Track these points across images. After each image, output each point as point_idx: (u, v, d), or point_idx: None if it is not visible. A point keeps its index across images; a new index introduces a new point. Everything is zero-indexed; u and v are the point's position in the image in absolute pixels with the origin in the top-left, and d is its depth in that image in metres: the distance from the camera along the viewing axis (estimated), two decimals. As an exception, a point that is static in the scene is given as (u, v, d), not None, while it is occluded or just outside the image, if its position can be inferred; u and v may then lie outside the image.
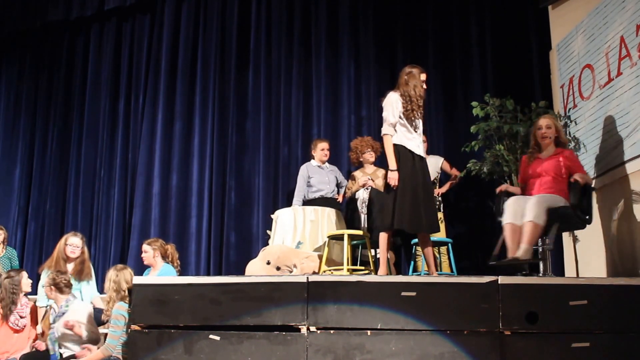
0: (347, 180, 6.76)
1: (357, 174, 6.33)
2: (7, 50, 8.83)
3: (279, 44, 7.71)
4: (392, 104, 4.79)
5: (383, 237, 4.81)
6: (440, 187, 6.35)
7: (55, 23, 8.44)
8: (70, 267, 5.37)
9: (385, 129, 4.79)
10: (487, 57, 7.05)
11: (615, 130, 5.08)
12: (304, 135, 7.40)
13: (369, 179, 6.11)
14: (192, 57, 7.93)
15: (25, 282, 5.06)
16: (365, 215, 6.00)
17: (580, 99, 5.70)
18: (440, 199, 6.24)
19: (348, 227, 5.97)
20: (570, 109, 5.89)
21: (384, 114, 4.82)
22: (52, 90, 8.52)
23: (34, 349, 4.91)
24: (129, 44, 8.25)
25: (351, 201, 6.19)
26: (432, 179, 6.12)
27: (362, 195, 6.08)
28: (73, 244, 5.42)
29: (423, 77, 4.90)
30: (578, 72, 5.75)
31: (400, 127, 4.80)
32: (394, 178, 4.69)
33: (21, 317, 4.94)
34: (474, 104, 6.15)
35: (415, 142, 4.81)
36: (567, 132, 5.87)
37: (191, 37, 7.98)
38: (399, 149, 4.77)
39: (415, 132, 4.82)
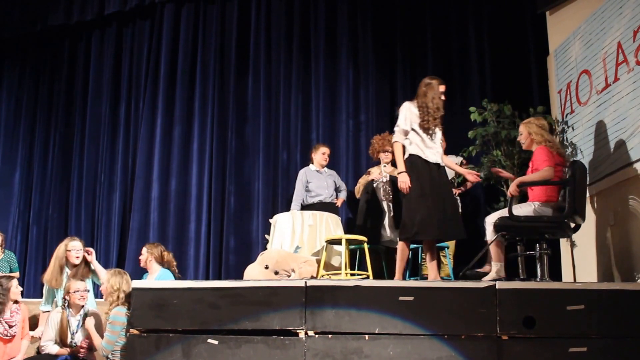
0: (344, 186, 6.80)
1: (374, 170, 6.32)
2: (7, 54, 8.86)
3: (278, 49, 7.74)
4: (405, 113, 4.85)
5: (402, 246, 4.85)
6: (457, 187, 6.30)
7: (55, 28, 8.47)
8: (68, 271, 5.36)
9: (395, 136, 4.86)
10: (485, 63, 7.08)
11: (613, 136, 5.10)
12: (302, 140, 7.43)
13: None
14: (191, 62, 7.96)
15: (14, 291, 4.96)
16: (391, 204, 5.93)
17: (578, 105, 5.72)
18: (457, 200, 6.22)
19: (365, 221, 5.96)
20: (567, 114, 5.92)
21: (397, 122, 4.87)
22: (53, 95, 8.56)
23: (43, 352, 4.89)
24: (129, 49, 8.28)
25: (371, 193, 6.14)
26: (449, 178, 6.14)
27: (383, 186, 6.00)
28: (75, 247, 5.37)
29: (442, 88, 4.93)
30: (575, 78, 5.77)
31: (415, 136, 4.83)
32: (404, 181, 4.70)
33: (10, 326, 4.91)
34: (471, 109, 6.18)
35: (432, 152, 4.83)
36: (565, 138, 5.90)
37: (191, 42, 8.01)
38: (413, 159, 4.80)
39: (433, 141, 4.84)
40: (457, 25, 7.29)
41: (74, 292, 4.85)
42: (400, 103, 7.17)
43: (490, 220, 4.70)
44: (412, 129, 4.83)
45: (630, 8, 4.92)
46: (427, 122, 4.80)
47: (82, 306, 4.88)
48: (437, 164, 4.84)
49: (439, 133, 4.91)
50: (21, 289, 5.09)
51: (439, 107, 4.86)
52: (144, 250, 5.52)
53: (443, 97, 4.91)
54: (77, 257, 5.38)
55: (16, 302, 5.01)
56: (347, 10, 7.59)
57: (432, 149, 4.83)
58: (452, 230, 4.79)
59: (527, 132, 4.84)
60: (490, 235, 4.66)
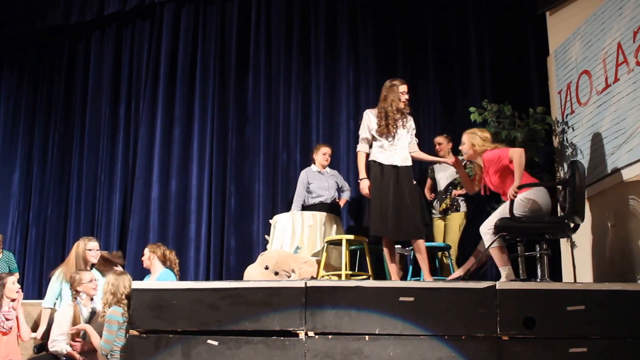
0: (348, 185, 6.78)
1: None
2: (7, 54, 8.85)
3: (278, 50, 7.73)
4: (365, 122, 5.08)
5: (384, 246, 5.03)
6: (457, 189, 6.28)
7: (55, 28, 8.47)
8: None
9: (358, 146, 5.12)
10: (485, 63, 7.07)
11: (613, 137, 5.09)
12: (302, 141, 7.42)
13: None
14: (191, 62, 7.96)
15: (10, 287, 4.96)
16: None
17: (578, 105, 5.72)
18: (458, 200, 6.17)
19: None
20: (567, 114, 5.91)
21: (359, 131, 5.13)
22: (52, 96, 8.56)
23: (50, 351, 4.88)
24: (129, 49, 8.28)
25: None
26: (452, 179, 6.12)
27: None
28: (94, 248, 5.46)
29: (402, 88, 5.05)
30: (575, 78, 5.77)
31: (375, 142, 5.02)
32: (363, 188, 4.98)
33: (7, 320, 4.92)
34: (471, 109, 6.17)
35: (390, 154, 4.96)
36: (565, 139, 5.90)
37: (191, 43, 8.00)
38: (370, 164, 4.99)
39: (393, 144, 4.96)
40: (458, 25, 7.28)
41: (88, 282, 4.90)
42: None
43: (485, 229, 4.68)
44: (372, 136, 5.01)
45: (630, 9, 4.92)
46: (385, 127, 4.95)
47: (92, 297, 4.90)
48: (394, 166, 4.93)
49: (401, 132, 5.00)
50: (19, 286, 5.08)
51: (399, 109, 4.99)
52: (146, 250, 5.56)
53: (406, 97, 5.04)
54: (94, 257, 5.45)
55: (13, 300, 5.00)
56: (347, 11, 7.58)
57: (390, 151, 4.96)
58: (403, 229, 4.85)
59: (470, 143, 4.94)
60: (487, 242, 4.64)
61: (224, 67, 7.87)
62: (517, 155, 4.66)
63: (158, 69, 8.00)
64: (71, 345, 4.74)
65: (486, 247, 4.65)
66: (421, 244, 4.92)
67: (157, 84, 7.96)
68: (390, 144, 4.95)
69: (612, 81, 5.14)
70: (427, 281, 4.81)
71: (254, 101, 7.70)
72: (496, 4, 7.11)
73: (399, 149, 4.98)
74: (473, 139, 4.92)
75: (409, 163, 5.03)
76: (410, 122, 5.11)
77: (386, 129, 4.93)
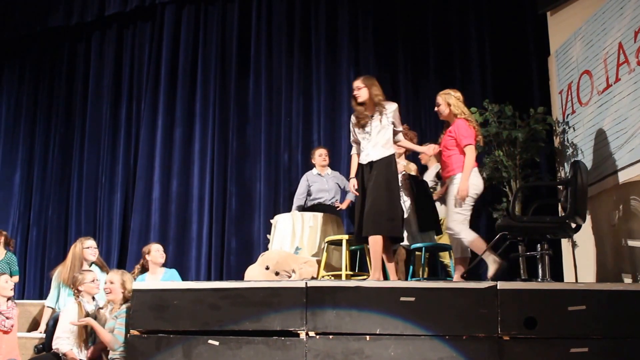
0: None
1: None
2: (7, 55, 8.86)
3: (279, 50, 7.74)
4: (351, 126, 5.10)
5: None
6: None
7: (56, 29, 8.48)
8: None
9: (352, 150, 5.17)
10: (486, 63, 7.07)
11: (614, 137, 5.09)
12: (304, 141, 7.42)
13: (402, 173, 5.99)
14: (192, 63, 7.97)
15: (3, 285, 4.96)
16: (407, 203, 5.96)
17: (579, 105, 5.72)
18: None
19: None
20: (568, 114, 5.91)
21: None
22: (53, 96, 8.57)
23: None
24: (130, 50, 8.29)
25: None
26: (433, 184, 6.09)
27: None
28: (92, 246, 5.53)
29: (354, 84, 5.02)
30: (576, 78, 5.77)
31: (359, 144, 5.03)
32: (350, 187, 5.09)
33: (7, 318, 4.93)
34: (473, 109, 6.14)
35: (366, 152, 4.92)
36: (566, 139, 5.90)
37: (191, 44, 8.01)
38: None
39: (368, 140, 4.91)
40: (458, 25, 7.28)
41: (90, 282, 4.90)
42: (402, 104, 7.25)
43: (466, 235, 4.61)
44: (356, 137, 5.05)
45: (631, 9, 4.92)
46: (356, 125, 4.97)
47: (93, 297, 4.92)
48: (370, 163, 4.89)
49: (376, 125, 4.88)
50: (12, 285, 5.09)
51: (354, 106, 5.00)
52: (159, 246, 5.59)
53: (355, 92, 4.97)
54: (93, 255, 5.51)
55: (9, 299, 5.00)
56: (348, 11, 7.59)
57: (366, 149, 4.92)
58: (364, 228, 4.78)
59: (446, 102, 4.88)
60: (466, 239, 4.60)
61: (225, 68, 7.88)
62: (470, 156, 4.63)
63: (159, 70, 8.01)
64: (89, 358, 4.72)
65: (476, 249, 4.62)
66: (374, 239, 4.74)
67: (158, 85, 7.97)
68: (368, 141, 4.91)
69: (613, 81, 5.14)
70: (428, 281, 4.81)
71: (255, 101, 7.70)
72: (496, 4, 7.11)
73: (375, 144, 4.88)
74: (448, 99, 4.87)
75: (387, 154, 4.86)
76: (389, 114, 4.92)
77: (358, 127, 4.95)
